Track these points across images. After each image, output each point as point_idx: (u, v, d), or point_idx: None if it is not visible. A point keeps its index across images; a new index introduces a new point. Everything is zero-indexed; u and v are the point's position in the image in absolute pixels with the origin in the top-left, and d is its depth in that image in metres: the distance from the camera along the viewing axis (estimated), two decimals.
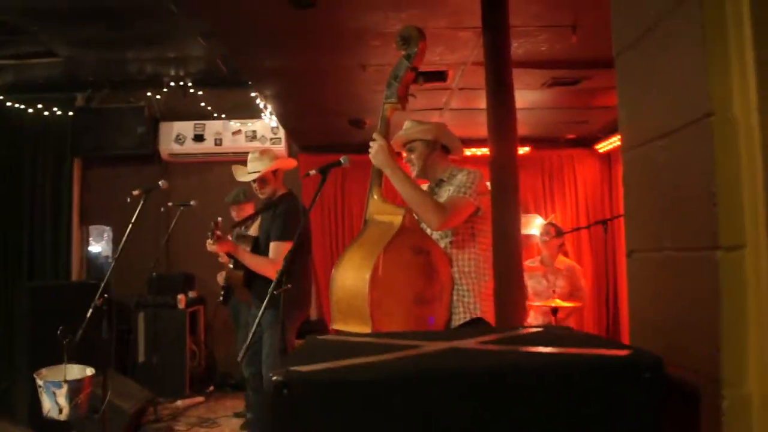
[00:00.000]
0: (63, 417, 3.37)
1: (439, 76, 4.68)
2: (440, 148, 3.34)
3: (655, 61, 1.44)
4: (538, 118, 6.31)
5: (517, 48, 4.06)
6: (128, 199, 4.33)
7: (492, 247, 3.25)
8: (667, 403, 1.24)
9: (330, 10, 3.62)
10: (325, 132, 6.61)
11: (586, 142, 7.63)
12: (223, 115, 7.66)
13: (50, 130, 7.71)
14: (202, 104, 7.66)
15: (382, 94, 3.05)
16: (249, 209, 5.76)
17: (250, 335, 3.20)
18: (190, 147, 7.66)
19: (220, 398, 6.87)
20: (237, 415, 6.03)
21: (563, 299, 5.87)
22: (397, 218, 2.99)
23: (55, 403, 3.32)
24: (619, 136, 5.11)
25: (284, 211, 4.30)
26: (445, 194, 3.20)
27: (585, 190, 7.78)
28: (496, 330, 1.73)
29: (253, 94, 6.16)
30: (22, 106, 7.61)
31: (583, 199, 7.78)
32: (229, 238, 5.22)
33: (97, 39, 6.29)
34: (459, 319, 3.18)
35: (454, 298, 3.19)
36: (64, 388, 3.33)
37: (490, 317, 3.20)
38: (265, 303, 3.18)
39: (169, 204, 5.63)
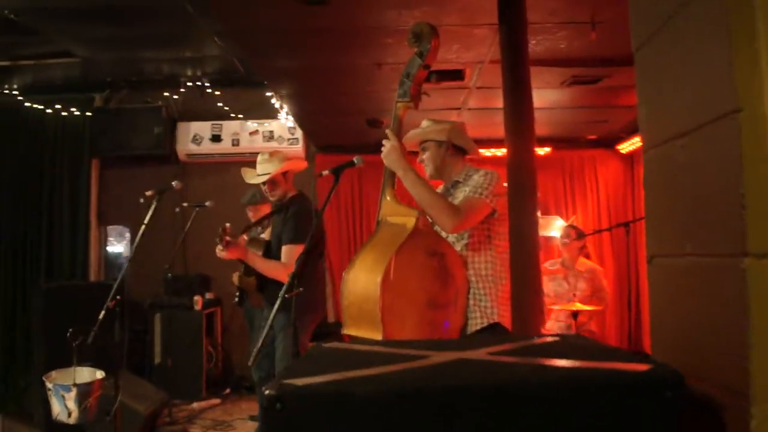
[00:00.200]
0: (72, 421, 3.32)
1: (457, 74, 4.59)
2: (454, 149, 3.25)
3: (675, 54, 1.35)
4: (559, 118, 6.20)
5: (536, 45, 3.96)
6: (141, 200, 4.27)
7: (509, 249, 3.16)
8: (689, 422, 1.15)
9: (342, 7, 3.54)
10: (342, 132, 6.54)
11: (608, 142, 7.49)
12: (241, 116, 7.62)
13: (68, 130, 7.71)
14: (220, 104, 7.62)
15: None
16: (265, 210, 5.69)
17: (261, 339, 3.13)
18: (208, 147, 7.63)
19: (237, 401, 6.82)
20: (252, 418, 5.98)
21: (584, 302, 5.76)
22: (410, 220, 2.91)
23: (64, 407, 3.28)
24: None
25: (295, 213, 4.23)
26: (460, 196, 3.12)
27: (607, 191, 7.65)
28: (509, 339, 1.64)
29: (268, 94, 6.10)
30: (41, 107, 7.62)
31: (605, 201, 7.64)
32: (245, 237, 5.17)
33: (114, 39, 6.27)
34: (476, 324, 3.09)
35: (471, 302, 3.11)
36: (73, 392, 3.29)
37: (508, 322, 3.12)
38: (276, 307, 3.12)
39: (184, 204, 5.59)
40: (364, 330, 2.82)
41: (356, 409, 1.12)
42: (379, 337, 2.71)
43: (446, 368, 1.31)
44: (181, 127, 7.67)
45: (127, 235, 8.03)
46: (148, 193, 4.25)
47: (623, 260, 7.15)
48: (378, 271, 2.73)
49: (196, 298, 6.89)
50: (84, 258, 7.61)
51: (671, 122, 1.37)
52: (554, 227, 6.96)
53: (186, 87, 7.62)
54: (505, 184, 3.21)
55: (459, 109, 5.74)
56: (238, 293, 5.03)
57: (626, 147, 7.32)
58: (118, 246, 8.34)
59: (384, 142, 2.98)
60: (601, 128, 6.87)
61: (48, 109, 7.64)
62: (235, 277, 4.98)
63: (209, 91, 7.62)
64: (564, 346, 1.57)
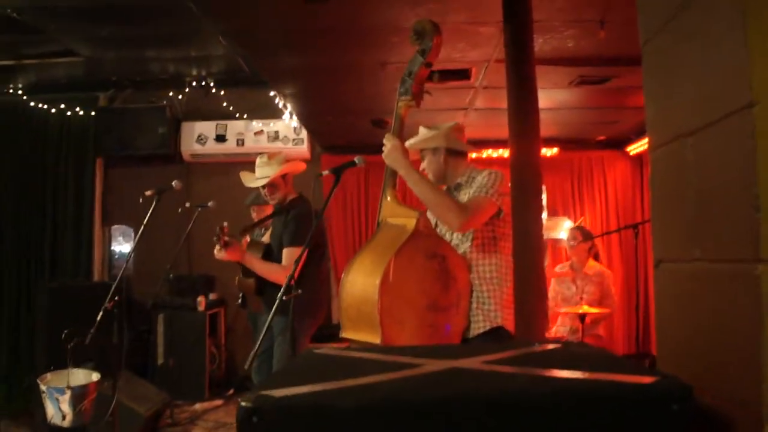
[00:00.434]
0: (66, 424, 3.27)
1: (462, 74, 4.51)
2: (451, 153, 3.18)
3: (685, 47, 1.27)
4: (566, 119, 6.11)
5: (543, 44, 3.88)
6: (140, 200, 4.22)
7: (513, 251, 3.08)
8: None
9: (346, 5, 3.48)
10: (347, 132, 6.47)
11: (617, 143, 7.39)
12: (245, 116, 7.56)
13: (73, 130, 7.67)
14: (224, 104, 7.56)
15: None
16: (269, 211, 5.62)
17: (258, 343, 3.06)
18: (212, 147, 7.56)
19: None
20: None
21: (592, 305, 5.68)
22: (410, 221, 2.84)
23: (58, 410, 3.23)
24: None
25: (296, 216, 4.16)
26: (464, 198, 3.05)
27: (615, 193, 7.54)
28: (508, 345, 1.56)
29: (272, 94, 6.04)
30: (45, 107, 7.58)
31: (614, 203, 7.54)
32: (247, 239, 5.10)
33: (118, 38, 6.22)
34: (478, 327, 3.02)
35: (473, 305, 3.04)
36: (68, 394, 3.23)
37: (511, 325, 3.04)
38: (273, 309, 3.04)
39: (187, 205, 5.52)
40: (362, 333, 2.75)
41: (336, 423, 1.04)
42: (377, 340, 2.65)
43: (436, 379, 1.24)
44: (186, 126, 7.62)
45: (132, 234, 7.97)
46: (148, 192, 4.21)
47: (631, 263, 7.04)
48: (377, 273, 2.66)
49: (200, 298, 6.83)
50: (88, 258, 7.57)
51: (680, 119, 1.29)
52: (562, 229, 6.88)
53: (191, 87, 7.57)
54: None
55: (466, 109, 5.66)
56: (241, 295, 4.97)
57: (635, 148, 7.22)
58: (122, 246, 8.29)
59: (385, 141, 2.92)
60: (609, 129, 6.77)
61: (52, 108, 7.60)
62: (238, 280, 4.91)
63: (214, 90, 7.56)
64: (565, 354, 1.49)
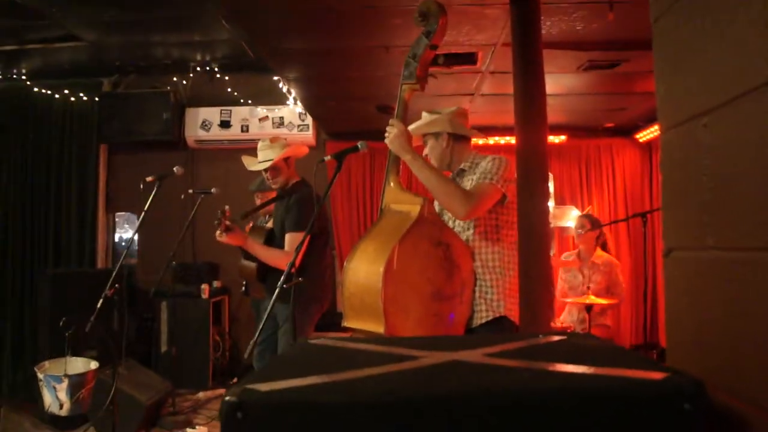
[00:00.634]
0: (64, 412, 3.23)
1: (468, 58, 4.41)
2: (454, 137, 3.11)
3: (698, 22, 1.19)
4: (574, 105, 6.01)
5: (551, 27, 3.79)
6: (141, 186, 4.17)
7: (517, 240, 3.02)
8: None
9: None
10: (352, 118, 6.39)
11: (626, 130, 7.29)
12: (250, 101, 7.48)
13: (76, 115, 7.61)
14: (229, 90, 7.48)
15: None
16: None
17: (258, 330, 3.01)
18: (217, 133, 7.50)
19: None
20: None
21: (599, 295, 5.61)
22: (414, 208, 2.78)
23: (55, 398, 3.19)
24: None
25: (298, 201, 4.11)
26: (468, 184, 2.99)
27: (624, 181, 7.44)
28: (511, 337, 1.50)
29: (275, 78, 5.96)
30: (49, 92, 7.53)
31: (622, 191, 7.44)
32: (251, 224, 5.04)
33: (121, 22, 6.15)
34: (481, 317, 2.97)
35: (476, 294, 2.99)
36: (65, 383, 3.19)
37: (515, 315, 2.99)
38: (273, 297, 2.99)
39: (190, 191, 5.46)
40: (365, 322, 2.70)
41: (326, 419, 0.98)
42: (381, 330, 2.60)
43: (434, 373, 1.17)
44: (190, 112, 7.55)
45: (136, 222, 7.92)
46: (149, 178, 4.17)
47: (640, 252, 6.94)
48: (380, 260, 2.61)
49: (203, 286, 6.79)
50: (92, 245, 7.52)
51: (693, 98, 1.21)
52: (569, 217, 6.80)
53: (195, 72, 7.49)
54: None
55: (472, 95, 5.56)
56: (244, 282, 4.92)
57: (645, 135, 7.12)
58: (126, 233, 8.26)
59: (388, 127, 2.85)
60: (618, 116, 6.66)
61: (56, 94, 7.54)
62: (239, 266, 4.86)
63: (218, 76, 7.49)
64: (570, 347, 1.42)
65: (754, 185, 1.01)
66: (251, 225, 4.85)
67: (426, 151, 3.11)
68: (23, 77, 7.48)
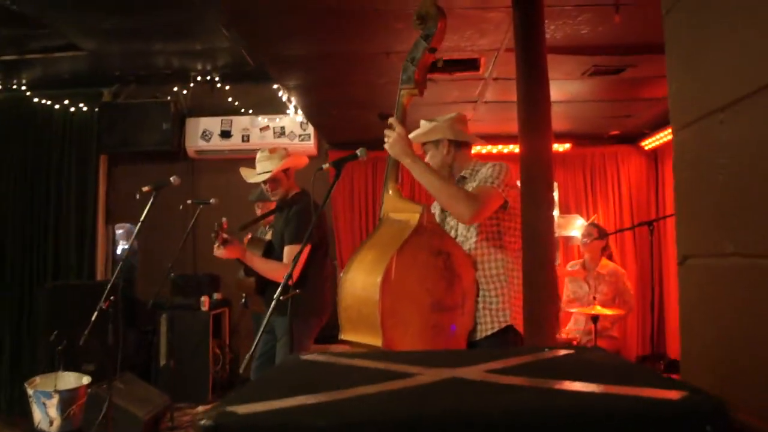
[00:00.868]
0: (54, 430, 3.13)
1: (471, 64, 4.33)
2: (453, 144, 3.03)
3: (713, 12, 1.10)
4: (579, 112, 5.91)
5: (555, 31, 3.70)
6: (137, 196, 4.09)
7: (521, 248, 2.92)
8: None
9: None
10: (353, 127, 6.29)
11: (631, 138, 7.19)
12: (251, 111, 7.41)
13: (76, 126, 7.56)
14: (229, 99, 7.42)
15: None
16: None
17: (254, 345, 2.91)
18: (217, 144, 7.42)
19: None
20: None
21: (605, 306, 5.50)
22: (413, 216, 2.69)
23: (45, 415, 3.09)
24: (666, 131, 4.66)
25: (298, 212, 4.02)
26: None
27: (629, 189, 7.34)
28: (514, 352, 1.40)
29: (275, 86, 5.89)
30: (49, 102, 7.47)
31: (627, 200, 7.34)
32: (250, 236, 4.95)
33: (121, 31, 6.09)
34: (485, 329, 2.87)
35: (480, 305, 2.89)
36: (55, 399, 3.10)
37: (520, 323, 2.89)
38: (270, 310, 2.89)
39: (189, 202, 5.38)
40: (363, 335, 2.61)
41: None
42: (379, 343, 2.51)
43: (431, 392, 1.07)
44: (190, 122, 7.48)
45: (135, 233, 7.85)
46: (145, 188, 4.09)
47: (646, 261, 6.85)
48: (378, 271, 2.52)
49: (203, 298, 6.70)
50: (91, 257, 7.45)
51: (709, 94, 1.12)
52: (574, 226, 6.70)
53: (195, 81, 7.43)
54: (518, 182, 2.99)
55: (475, 102, 5.47)
56: (244, 295, 4.83)
57: (650, 143, 7.01)
58: (124, 245, 8.18)
59: (387, 132, 2.77)
60: (623, 123, 6.56)
61: (56, 104, 7.49)
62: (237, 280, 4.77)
63: (219, 85, 7.43)
64: (578, 362, 1.32)
65: None
66: (250, 236, 4.75)
67: (426, 159, 3.02)
68: (23, 87, 7.43)
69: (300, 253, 3.05)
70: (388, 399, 1.03)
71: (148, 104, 7.39)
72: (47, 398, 3.08)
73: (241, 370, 2.95)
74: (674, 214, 1.30)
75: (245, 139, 7.39)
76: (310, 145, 7.26)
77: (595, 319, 5.31)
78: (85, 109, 7.50)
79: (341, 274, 2.68)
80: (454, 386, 1.11)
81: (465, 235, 2.96)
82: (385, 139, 2.75)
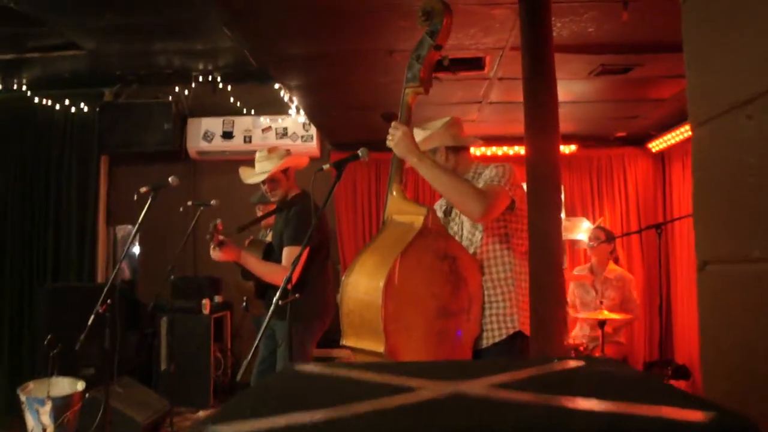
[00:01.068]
0: None
1: (476, 63, 4.24)
2: (451, 150, 2.95)
3: None
4: (585, 113, 5.82)
5: (561, 29, 3.62)
6: (135, 197, 4.01)
7: (528, 250, 2.84)
8: None
9: None
10: (356, 128, 6.21)
11: (638, 140, 7.10)
12: (253, 111, 7.34)
13: (77, 126, 7.49)
14: (231, 100, 7.34)
15: None
16: None
17: (251, 351, 2.82)
18: (219, 144, 7.34)
19: None
20: None
21: (612, 311, 5.41)
22: (418, 218, 2.61)
23: (38, 422, 3.01)
24: (674, 133, 4.56)
25: (298, 213, 3.93)
26: None
27: (636, 192, 7.25)
28: (520, 363, 1.31)
29: (276, 86, 5.82)
30: (49, 102, 7.41)
31: (634, 202, 7.24)
32: (251, 237, 4.87)
33: (122, 30, 6.03)
34: (493, 336, 2.79)
35: (486, 312, 2.81)
36: (48, 405, 3.02)
37: (528, 328, 2.81)
38: (269, 314, 2.81)
39: (189, 203, 5.30)
40: (365, 341, 2.53)
41: None
42: (381, 349, 2.43)
43: (431, 409, 0.99)
44: (192, 123, 7.41)
45: (138, 235, 7.75)
46: (143, 189, 4.02)
47: (653, 265, 6.77)
48: (380, 275, 2.44)
49: (205, 301, 6.61)
50: (92, 259, 7.38)
51: (733, 86, 1.04)
52: (580, 230, 6.61)
53: (197, 82, 7.35)
54: (524, 184, 2.90)
55: (480, 102, 5.39)
56: (245, 298, 4.74)
57: (657, 145, 6.92)
58: (133, 246, 8.10)
59: (391, 130, 2.68)
60: (630, 125, 6.47)
61: (56, 104, 7.43)
62: (236, 283, 4.69)
63: (221, 86, 7.35)
64: (590, 375, 1.24)
65: None
66: (251, 238, 4.67)
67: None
68: (24, 87, 7.36)
69: (300, 255, 2.96)
70: (386, 418, 0.95)
71: (150, 104, 7.32)
72: (40, 405, 3.00)
73: (238, 378, 2.87)
74: (692, 216, 1.21)
75: (247, 139, 7.31)
76: (313, 146, 7.18)
77: (602, 324, 5.23)
78: (85, 109, 7.44)
79: (343, 278, 2.60)
80: (456, 403, 1.03)
81: (470, 239, 2.87)
82: (389, 138, 2.67)
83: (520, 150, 6.85)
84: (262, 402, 1.09)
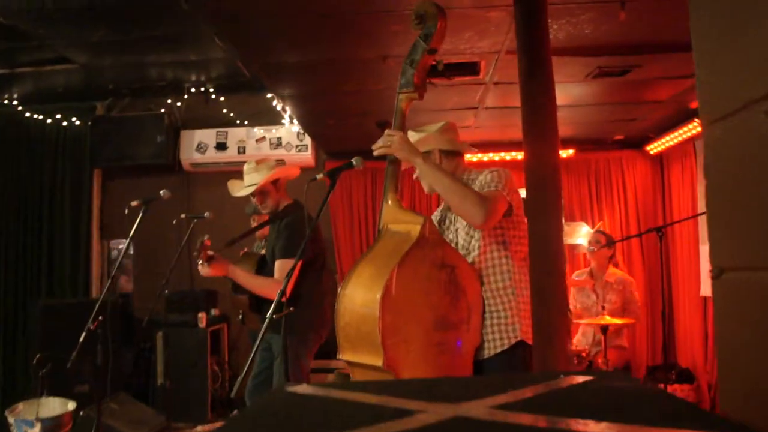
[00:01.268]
0: None
1: (471, 68, 4.18)
2: (445, 155, 2.88)
3: None
4: (583, 117, 5.75)
5: (557, 31, 3.55)
6: (125, 211, 3.93)
7: (528, 256, 2.77)
8: None
9: None
10: (351, 136, 6.13)
11: (636, 143, 7.04)
12: (247, 122, 7.26)
13: (69, 140, 7.43)
14: (225, 111, 7.27)
15: None
16: None
17: (246, 367, 2.74)
18: (213, 156, 7.27)
19: None
20: None
21: (614, 315, 5.34)
22: (414, 227, 2.53)
23: None
24: (672, 135, 4.47)
25: (289, 224, 3.85)
26: None
27: (635, 195, 7.18)
28: (524, 380, 1.24)
29: (269, 95, 5.75)
30: (41, 117, 7.34)
31: (633, 206, 7.18)
32: (245, 250, 4.79)
33: (113, 43, 5.96)
34: (495, 346, 2.71)
35: (487, 322, 2.73)
36: (37, 428, 2.92)
37: (531, 336, 2.73)
38: (263, 329, 2.72)
39: (182, 216, 5.22)
40: (362, 354, 2.45)
41: None
42: (379, 363, 2.35)
43: None
44: (185, 135, 7.34)
45: (132, 249, 7.66)
46: (134, 203, 3.94)
47: (654, 269, 6.70)
48: (377, 286, 2.36)
49: (201, 314, 6.52)
50: (86, 274, 7.29)
51: (750, 80, 0.96)
52: (580, 234, 6.54)
53: (189, 93, 7.28)
54: (523, 194, 2.83)
55: (476, 108, 5.32)
56: (241, 311, 4.66)
57: (656, 147, 6.86)
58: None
59: (386, 137, 2.60)
60: (628, 127, 6.41)
61: (48, 119, 7.36)
62: (230, 297, 4.61)
63: (213, 97, 7.28)
64: (600, 393, 1.16)
65: None
66: (245, 250, 4.60)
67: (416, 174, 2.84)
68: (15, 102, 7.29)
69: (293, 268, 2.88)
70: None
71: (142, 117, 7.25)
72: (29, 426, 2.92)
73: (232, 394, 2.79)
74: (707, 220, 1.14)
75: (241, 150, 7.24)
76: (308, 155, 7.11)
77: (604, 329, 5.15)
78: (78, 122, 7.37)
79: (339, 290, 2.53)
80: (457, 428, 0.95)
81: (467, 248, 2.80)
82: (380, 144, 2.59)
83: (518, 155, 6.78)
84: (250, 428, 1.01)
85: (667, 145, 6.59)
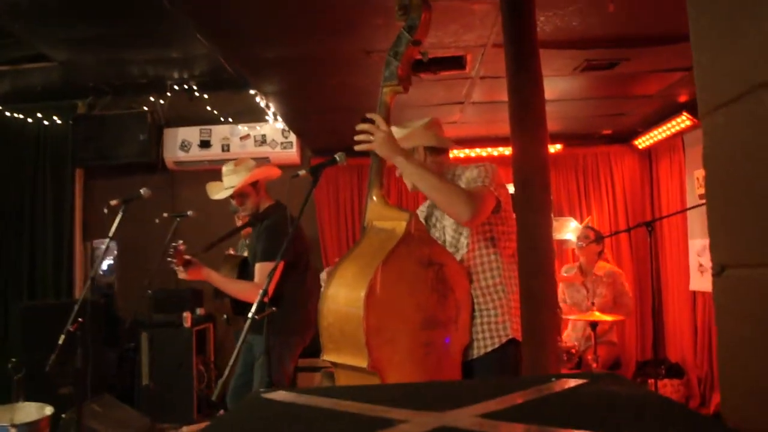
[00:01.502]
0: None
1: (456, 62, 4.10)
2: (429, 151, 2.81)
3: None
4: (570, 111, 5.69)
5: (544, 24, 3.48)
6: (105, 210, 3.84)
7: (516, 253, 2.70)
8: None
9: None
10: (336, 133, 6.03)
11: (624, 137, 6.99)
12: (230, 120, 7.17)
13: (50, 140, 7.32)
14: (208, 108, 7.17)
15: None
16: None
17: (227, 369, 2.66)
18: (196, 154, 7.17)
19: None
20: None
21: (605, 309, 5.30)
22: (400, 224, 2.46)
23: None
24: (660, 129, 4.41)
25: (269, 226, 3.77)
26: None
27: (623, 190, 7.14)
28: (514, 384, 1.17)
29: (252, 92, 5.66)
30: (21, 116, 7.21)
31: (622, 200, 7.14)
32: (232, 251, 4.70)
33: (93, 39, 5.83)
34: (485, 345, 2.65)
35: (477, 320, 2.67)
36: None
37: (520, 334, 2.67)
38: (245, 330, 2.64)
39: (165, 215, 5.12)
40: (346, 355, 2.38)
41: None
42: (364, 364, 2.28)
43: None
44: (168, 133, 7.23)
45: (116, 249, 7.55)
46: (113, 202, 3.86)
47: (644, 264, 6.66)
48: (361, 285, 2.29)
49: (186, 314, 6.42)
50: (68, 275, 7.18)
51: (753, 63, 0.90)
52: (568, 230, 6.49)
53: (172, 91, 7.17)
54: (511, 190, 2.76)
55: (462, 103, 5.25)
56: (225, 314, 4.59)
57: (644, 142, 6.81)
58: (103, 262, 7.89)
59: (372, 130, 2.51)
60: (616, 122, 6.36)
61: (28, 118, 7.23)
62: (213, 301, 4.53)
63: (197, 94, 7.18)
64: (594, 398, 1.09)
65: None
66: (230, 252, 4.51)
67: (398, 171, 2.75)
68: None
69: (274, 269, 2.80)
70: None
71: (124, 115, 7.14)
72: None
73: (213, 397, 2.71)
74: (707, 215, 1.07)
75: (225, 148, 7.14)
76: (293, 153, 7.03)
77: (594, 325, 5.11)
78: (59, 122, 7.26)
79: (322, 290, 2.45)
80: None
81: (454, 245, 2.73)
82: (371, 140, 2.51)
83: (505, 151, 6.73)
84: None
85: (655, 139, 6.55)
